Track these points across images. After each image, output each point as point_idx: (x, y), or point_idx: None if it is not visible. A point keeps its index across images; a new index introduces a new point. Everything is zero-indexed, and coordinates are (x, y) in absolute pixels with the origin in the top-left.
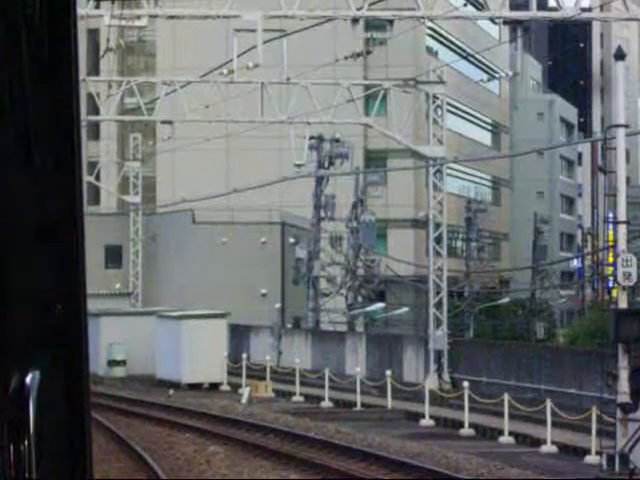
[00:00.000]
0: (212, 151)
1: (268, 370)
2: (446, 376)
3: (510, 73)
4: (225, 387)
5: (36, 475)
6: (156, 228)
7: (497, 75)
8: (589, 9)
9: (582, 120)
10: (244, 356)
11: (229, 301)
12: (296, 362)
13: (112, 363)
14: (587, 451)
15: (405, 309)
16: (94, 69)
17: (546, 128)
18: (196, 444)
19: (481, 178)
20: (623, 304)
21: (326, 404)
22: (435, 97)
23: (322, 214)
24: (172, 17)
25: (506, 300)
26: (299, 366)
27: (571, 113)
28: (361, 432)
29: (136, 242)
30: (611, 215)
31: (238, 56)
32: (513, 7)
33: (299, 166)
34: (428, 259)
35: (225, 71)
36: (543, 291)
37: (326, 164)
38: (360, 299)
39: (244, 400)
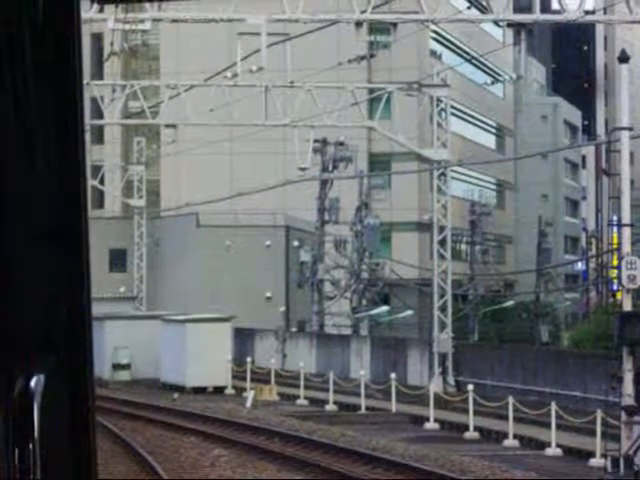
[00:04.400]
0: (216, 154)
1: (273, 374)
2: (451, 379)
3: (514, 76)
4: (230, 391)
5: (40, 478)
6: (160, 232)
7: (501, 78)
8: (593, 12)
9: (586, 123)
10: (248, 360)
11: (233, 305)
12: (300, 365)
13: (117, 367)
14: (592, 454)
15: (409, 312)
16: (98, 73)
17: (550, 131)
18: (201, 447)
19: (485, 181)
20: (628, 307)
21: (330, 407)
22: (439, 100)
23: (326, 217)
24: (176, 21)
25: (510, 303)
26: (303, 369)
27: (575, 116)
28: (366, 435)
29: (140, 246)
30: (615, 218)
31: (242, 59)
32: (517, 10)
33: (303, 169)
34: (432, 262)
35: (229, 74)
36: (547, 294)
37: (330, 167)
38: (364, 302)
39: (249, 404)
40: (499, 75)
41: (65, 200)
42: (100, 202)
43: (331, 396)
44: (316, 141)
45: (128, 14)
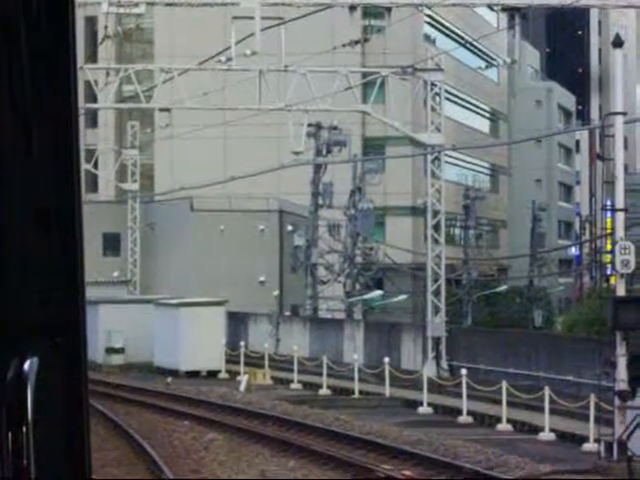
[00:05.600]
0: (210, 139)
1: (266, 358)
2: (444, 364)
3: (508, 61)
4: (223, 375)
5: (34, 462)
6: (154, 216)
7: (495, 63)
8: None
9: (580, 108)
10: (242, 344)
11: (227, 289)
12: (294, 350)
13: (110, 351)
14: (585, 439)
15: (403, 297)
16: (92, 57)
17: (544, 116)
18: (194, 431)
19: (479, 166)
20: (621, 292)
21: (324, 392)
22: (433, 84)
23: (320, 202)
24: (170, 4)
25: (504, 288)
26: (297, 354)
27: (569, 101)
28: (359, 419)
29: (134, 230)
30: (609, 202)
31: (236, 43)
32: None
33: (297, 154)
34: (426, 247)
35: (223, 58)
36: (541, 279)
37: (324, 152)
38: (358, 287)
39: (242, 388)
40: (493, 59)
41: (59, 184)
42: (94, 186)
43: (325, 380)
44: (310, 125)
45: None
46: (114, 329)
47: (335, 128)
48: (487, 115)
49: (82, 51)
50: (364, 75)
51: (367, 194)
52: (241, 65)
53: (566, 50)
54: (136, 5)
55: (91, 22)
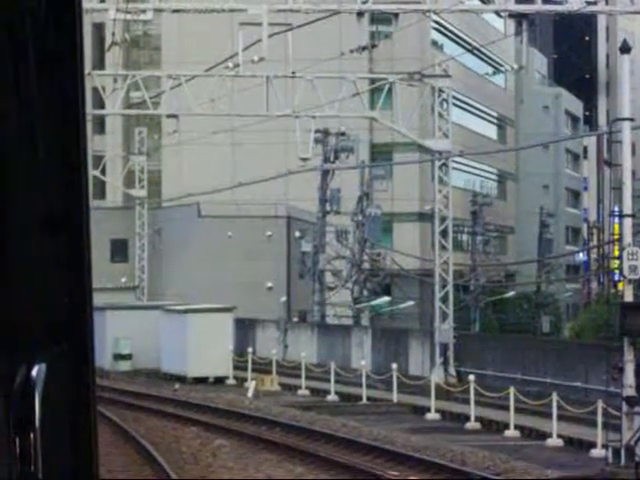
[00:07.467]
0: (218, 145)
1: (274, 364)
2: (452, 370)
3: (516, 66)
4: (231, 381)
5: (42, 468)
6: (162, 222)
7: (503, 68)
8: (594, 2)
9: (588, 113)
10: (250, 350)
11: (235, 295)
12: (302, 356)
13: (118, 357)
14: (593, 444)
15: (411, 303)
16: (99, 63)
17: (552, 121)
18: (202, 438)
19: (487, 172)
20: (629, 297)
21: (332, 398)
22: (441, 90)
23: (328, 208)
24: (177, 11)
25: (512, 294)
26: (305, 360)
27: (577, 106)
28: (367, 426)
29: (142, 236)
30: (617, 208)
31: (243, 50)
32: (519, 0)
33: (305, 160)
34: (434, 253)
35: (230, 65)
36: (549, 284)
37: (332, 158)
38: (366, 293)
39: (250, 394)
40: (501, 65)
41: (66, 190)
42: (101, 192)
43: (332, 386)
44: (317, 131)
45: (129, 4)
46: (122, 335)
47: (343, 134)
48: (494, 121)
49: (90, 57)
50: (372, 81)
51: (375, 200)
52: (248, 71)
53: (573, 56)
54: (143, 12)
55: (98, 29)
